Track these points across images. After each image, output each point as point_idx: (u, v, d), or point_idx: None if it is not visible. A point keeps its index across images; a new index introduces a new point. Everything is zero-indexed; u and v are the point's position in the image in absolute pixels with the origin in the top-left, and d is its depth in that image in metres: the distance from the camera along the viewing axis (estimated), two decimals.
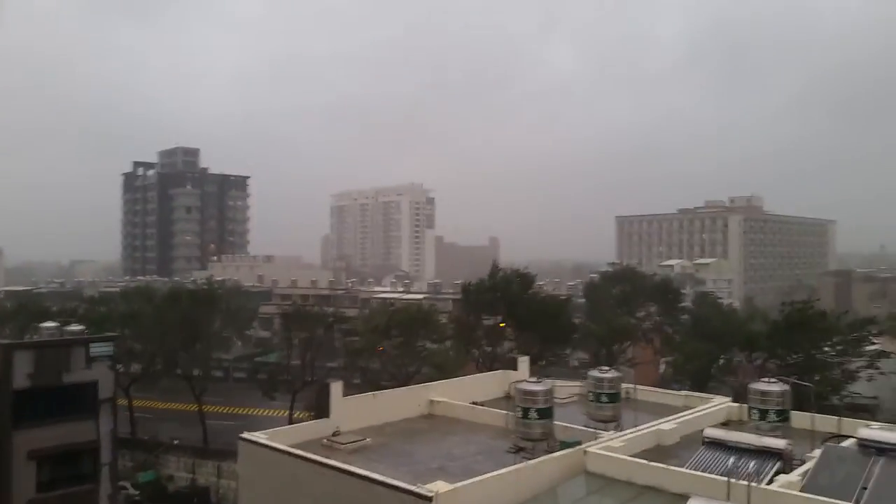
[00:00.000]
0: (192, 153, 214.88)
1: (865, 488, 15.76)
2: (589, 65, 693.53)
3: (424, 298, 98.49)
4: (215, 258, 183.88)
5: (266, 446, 21.46)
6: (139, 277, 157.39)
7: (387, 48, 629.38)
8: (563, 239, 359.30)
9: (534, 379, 22.97)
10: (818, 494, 15.39)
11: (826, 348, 47.93)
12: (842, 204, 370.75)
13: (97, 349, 32.35)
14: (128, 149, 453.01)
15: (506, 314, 59.05)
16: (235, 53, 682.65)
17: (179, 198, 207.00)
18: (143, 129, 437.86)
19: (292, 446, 21.22)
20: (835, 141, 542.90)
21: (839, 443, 19.08)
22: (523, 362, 31.60)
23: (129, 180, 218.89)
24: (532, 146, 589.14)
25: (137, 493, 49.36)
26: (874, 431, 18.05)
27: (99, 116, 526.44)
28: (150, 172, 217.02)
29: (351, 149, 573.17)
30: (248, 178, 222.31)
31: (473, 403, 27.50)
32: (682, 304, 76.02)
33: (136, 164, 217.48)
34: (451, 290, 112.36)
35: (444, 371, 49.49)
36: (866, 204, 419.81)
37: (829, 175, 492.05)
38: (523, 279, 61.71)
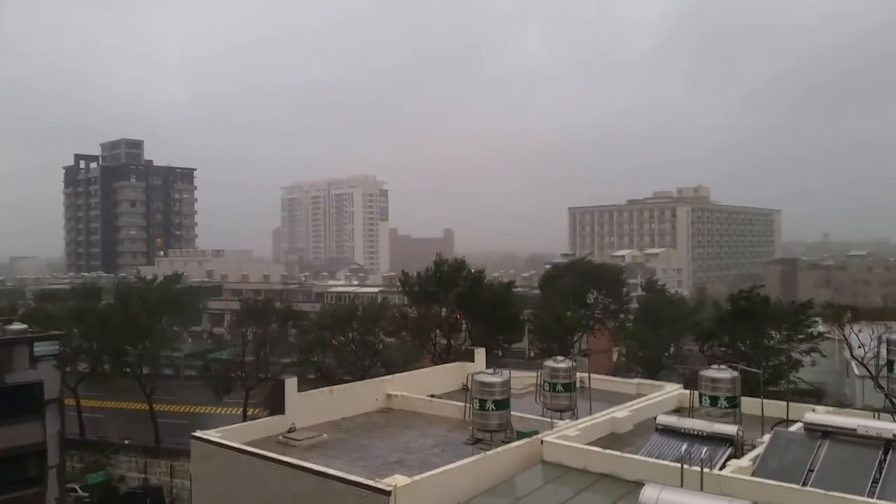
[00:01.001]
0: (136, 145, 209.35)
1: (812, 470, 16.25)
2: (562, 51, 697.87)
3: (379, 292, 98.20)
4: (162, 253, 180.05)
5: (219, 444, 21.07)
6: (84, 274, 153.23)
7: (354, 27, 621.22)
8: (517, 230, 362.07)
9: (490, 370, 23.03)
10: (768, 478, 15.82)
11: (773, 335, 49.29)
12: (789, 194, 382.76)
13: (42, 348, 31.45)
14: (74, 138, 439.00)
15: (454, 304, 58.60)
16: (192, 36, 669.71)
17: (123, 191, 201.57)
18: (92, 118, 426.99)
19: (246, 444, 20.87)
20: (792, 132, 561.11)
21: (787, 427, 19.61)
22: (480, 354, 31.69)
23: (71, 173, 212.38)
24: (495, 134, 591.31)
25: (87, 495, 48.18)
26: (820, 416, 18.61)
27: (44, 103, 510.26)
28: (93, 165, 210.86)
29: (311, 137, 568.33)
30: (194, 170, 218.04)
31: (431, 396, 27.49)
32: (633, 294, 77.44)
33: (78, 157, 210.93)
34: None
35: (400, 364, 49.40)
36: (812, 193, 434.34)
37: (781, 166, 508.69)
38: (463, 268, 60.98)
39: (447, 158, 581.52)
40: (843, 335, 47.32)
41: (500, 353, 56.12)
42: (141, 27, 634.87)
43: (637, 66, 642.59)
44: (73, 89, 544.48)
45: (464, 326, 58.87)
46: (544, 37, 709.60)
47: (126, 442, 57.13)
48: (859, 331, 46.80)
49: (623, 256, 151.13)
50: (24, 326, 45.85)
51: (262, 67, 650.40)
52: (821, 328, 51.83)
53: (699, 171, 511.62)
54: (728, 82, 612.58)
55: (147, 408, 60.76)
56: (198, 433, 21.98)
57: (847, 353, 51.74)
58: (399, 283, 63.38)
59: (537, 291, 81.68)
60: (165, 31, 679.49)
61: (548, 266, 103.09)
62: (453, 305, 58.27)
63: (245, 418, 51.06)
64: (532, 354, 65.38)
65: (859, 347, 46.45)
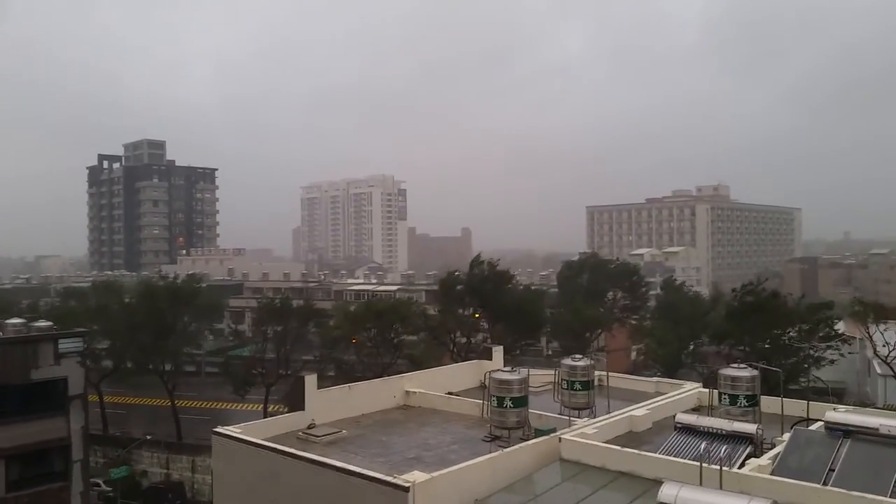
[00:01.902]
0: (158, 146, 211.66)
1: (833, 470, 16.14)
2: (597, 46, 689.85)
3: (398, 290, 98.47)
4: (184, 252, 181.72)
5: (240, 440, 21.31)
6: (107, 272, 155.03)
7: (381, 29, 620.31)
8: (536, 229, 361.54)
9: (508, 368, 23.08)
10: (788, 477, 15.74)
11: (791, 333, 48.82)
12: (812, 192, 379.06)
13: (66, 345, 31.93)
14: (101, 140, 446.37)
15: (482, 306, 59.26)
16: (218, 41, 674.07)
17: (146, 191, 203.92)
18: (118, 119, 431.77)
19: (267, 440, 21.10)
20: (819, 129, 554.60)
21: (808, 426, 19.48)
22: (498, 352, 31.74)
23: (95, 174, 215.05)
24: (518, 133, 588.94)
25: (110, 489, 48.84)
26: (841, 414, 18.46)
27: (71, 105, 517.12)
28: (116, 166, 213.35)
29: (332, 138, 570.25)
30: (216, 170, 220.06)
31: (449, 394, 27.59)
32: (652, 293, 77.00)
33: (101, 157, 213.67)
34: (423, 282, 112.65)
35: (419, 362, 49.59)
36: (834, 192, 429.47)
37: (806, 163, 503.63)
38: (501, 275, 62.02)
39: (468, 158, 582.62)
40: (867, 333, 46.83)
41: (518, 351, 56.19)
42: (169, 31, 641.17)
43: (673, 62, 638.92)
44: (100, 91, 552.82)
45: (485, 326, 59.18)
46: (581, 32, 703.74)
47: (148, 437, 57.80)
48: (885, 329, 46.29)
49: (642, 255, 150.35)
50: (49, 324, 46.65)
51: (286, 70, 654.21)
52: (841, 327, 51.27)
53: (724, 168, 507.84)
54: (764, 78, 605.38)
55: (169, 404, 61.42)
56: (219, 429, 22.25)
57: (869, 352, 51.17)
58: (439, 285, 64.04)
59: (555, 290, 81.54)
60: (193, 37, 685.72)
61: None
62: (478, 306, 58.77)
63: (265, 415, 51.50)
64: (549, 352, 65.36)
65: (884, 346, 45.95)
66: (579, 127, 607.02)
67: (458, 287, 60.73)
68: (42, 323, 46.14)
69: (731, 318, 50.61)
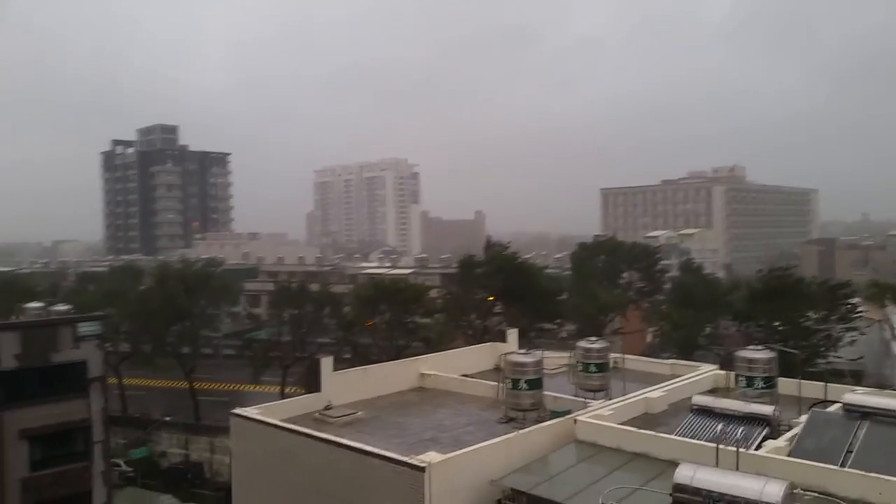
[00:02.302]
0: (170, 130, 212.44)
1: (851, 451, 16.09)
2: (622, 21, 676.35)
3: (412, 273, 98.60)
4: (199, 236, 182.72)
5: (258, 421, 21.55)
6: (123, 257, 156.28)
7: (398, 9, 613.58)
8: (549, 212, 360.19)
9: (523, 350, 23.12)
10: (805, 459, 15.70)
11: (810, 314, 48.50)
12: (829, 173, 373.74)
13: (85, 329, 32.22)
14: (117, 125, 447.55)
15: (500, 289, 59.18)
16: (233, 23, 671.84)
17: (160, 176, 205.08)
18: (134, 104, 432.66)
19: (284, 421, 21.32)
20: (841, 107, 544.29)
21: (825, 408, 19.40)
22: (512, 334, 31.80)
23: (109, 159, 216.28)
24: (533, 115, 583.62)
25: (131, 469, 49.58)
26: (859, 396, 18.39)
27: (89, 89, 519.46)
28: (130, 151, 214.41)
29: (346, 121, 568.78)
30: (229, 154, 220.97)
31: (464, 376, 27.70)
32: (668, 274, 76.59)
33: (115, 143, 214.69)
34: (437, 265, 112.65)
35: (434, 345, 49.73)
36: (852, 173, 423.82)
37: (825, 143, 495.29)
38: (514, 259, 62.04)
39: (482, 140, 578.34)
40: (885, 315, 46.41)
41: (534, 334, 56.20)
42: (184, 14, 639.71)
43: (699, 37, 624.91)
44: (114, 76, 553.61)
45: (499, 309, 59.20)
46: (604, 7, 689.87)
47: (167, 419, 58.51)
48: None
49: (657, 237, 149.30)
50: (68, 307, 47.21)
51: (302, 52, 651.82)
52: (857, 303, 50.77)
53: (744, 147, 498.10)
54: (798, 53, 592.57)
55: (187, 386, 62.09)
56: (237, 410, 22.50)
57: (888, 334, 50.71)
58: (459, 267, 64.01)
59: (569, 272, 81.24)
60: (208, 21, 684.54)
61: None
62: (496, 290, 58.77)
63: (283, 396, 51.93)
64: (565, 335, 65.32)
65: None
66: (596, 107, 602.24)
67: (479, 270, 60.68)
68: (61, 307, 46.82)
69: (754, 299, 50.41)
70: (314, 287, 66.99)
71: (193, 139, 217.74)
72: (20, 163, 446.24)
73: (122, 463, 49.17)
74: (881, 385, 42.59)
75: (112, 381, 50.36)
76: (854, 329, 48.18)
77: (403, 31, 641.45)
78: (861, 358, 52.84)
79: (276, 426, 20.86)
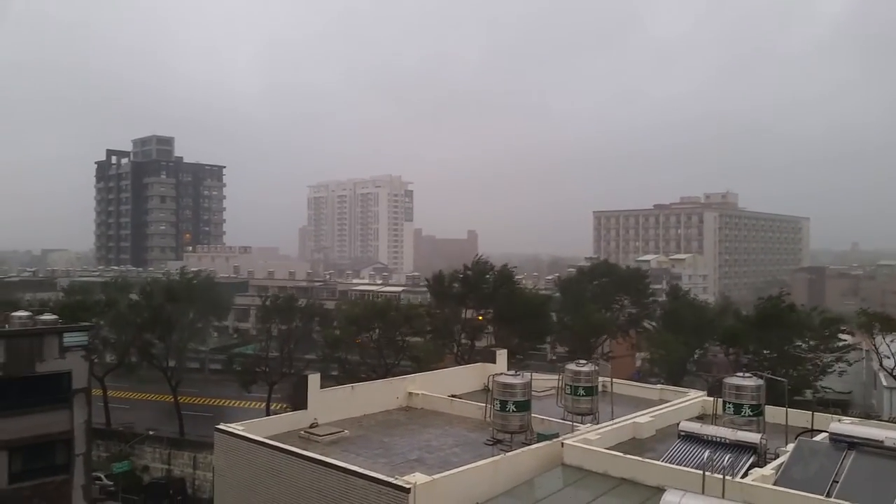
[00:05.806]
0: (166, 141, 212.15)
1: (837, 481, 16.03)
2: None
3: (403, 291, 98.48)
4: (190, 248, 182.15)
5: (242, 437, 21.33)
6: (113, 267, 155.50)
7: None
8: (542, 234, 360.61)
9: (512, 372, 23.03)
10: (791, 488, 15.65)
11: (799, 343, 48.71)
12: (822, 200, 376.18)
13: (71, 339, 32.01)
14: (105, 135, 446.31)
15: (484, 307, 59.18)
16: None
17: (153, 187, 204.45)
18: (117, 117, 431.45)
19: (269, 438, 21.12)
20: (847, 133, 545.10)
21: (812, 437, 19.37)
22: (501, 355, 31.69)
23: (102, 168, 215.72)
24: (530, 139, 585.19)
25: (112, 483, 48.93)
26: (845, 426, 18.35)
27: (88, 92, 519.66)
28: (124, 161, 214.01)
29: (343, 137, 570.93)
30: (223, 167, 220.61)
31: (452, 396, 27.56)
32: (658, 300, 76.68)
33: (110, 152, 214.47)
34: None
35: (422, 364, 49.51)
36: (843, 199, 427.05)
37: (817, 169, 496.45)
38: (504, 275, 61.99)
39: (476, 161, 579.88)
40: (873, 345, 46.59)
41: (522, 356, 56.08)
42: (155, 30, 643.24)
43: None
44: (116, 76, 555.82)
45: (489, 328, 59.08)
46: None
47: (151, 433, 57.87)
48: (891, 341, 46.01)
49: (648, 261, 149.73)
50: (55, 317, 46.74)
51: (300, 66, 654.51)
52: (847, 338, 51.11)
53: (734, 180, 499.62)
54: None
55: (172, 400, 61.53)
56: (221, 426, 22.28)
57: (875, 364, 50.89)
58: (427, 284, 64.03)
59: (559, 294, 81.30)
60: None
61: (571, 270, 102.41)
62: (483, 308, 58.70)
63: (268, 413, 51.47)
64: (554, 357, 65.22)
65: (888, 357, 45.68)
66: (591, 136, 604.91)
67: (455, 284, 60.69)
68: (48, 316, 46.34)
69: (746, 326, 50.73)
70: (303, 302, 66.74)
71: (194, 153, 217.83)
72: (19, 162, 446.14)
73: (103, 476, 48.54)
74: (868, 415, 42.66)
75: (96, 392, 49.80)
76: (843, 360, 48.43)
77: (386, 52, 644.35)
78: (850, 392, 53.09)
79: (260, 443, 20.66)
